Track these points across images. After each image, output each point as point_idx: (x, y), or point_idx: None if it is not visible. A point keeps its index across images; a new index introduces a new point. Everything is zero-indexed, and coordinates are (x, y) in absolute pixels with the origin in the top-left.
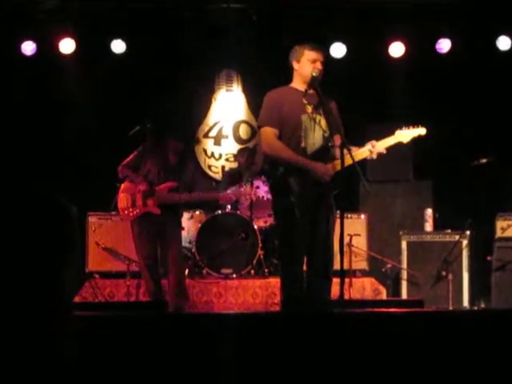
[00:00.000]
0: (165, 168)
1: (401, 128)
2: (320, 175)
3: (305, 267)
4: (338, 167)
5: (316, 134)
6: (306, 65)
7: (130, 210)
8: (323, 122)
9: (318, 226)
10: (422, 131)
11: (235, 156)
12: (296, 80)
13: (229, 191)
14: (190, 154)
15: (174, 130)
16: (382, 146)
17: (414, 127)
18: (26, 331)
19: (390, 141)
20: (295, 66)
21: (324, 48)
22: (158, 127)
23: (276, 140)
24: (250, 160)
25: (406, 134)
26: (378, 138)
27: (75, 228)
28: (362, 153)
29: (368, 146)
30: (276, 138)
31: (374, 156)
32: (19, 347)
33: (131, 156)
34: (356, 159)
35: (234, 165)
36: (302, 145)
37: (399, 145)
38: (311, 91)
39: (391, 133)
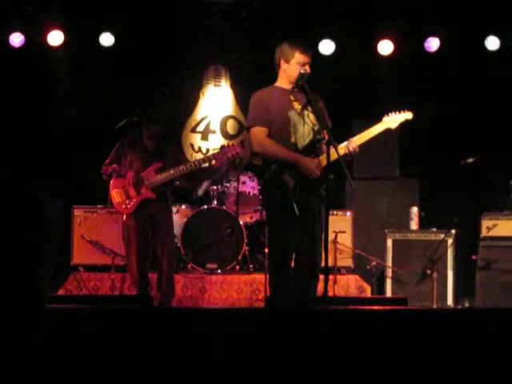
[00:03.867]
0: (145, 155)
1: (388, 114)
2: (310, 171)
3: (292, 264)
4: (324, 162)
5: (305, 128)
6: (294, 67)
7: (127, 202)
8: (312, 117)
9: (308, 222)
10: (408, 115)
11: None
12: (282, 79)
13: (214, 152)
14: (168, 138)
15: (162, 123)
16: (357, 142)
17: (400, 112)
18: None
19: (378, 128)
20: (283, 65)
21: (312, 49)
22: (144, 121)
23: (266, 138)
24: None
25: (393, 120)
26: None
27: (49, 218)
28: (339, 150)
29: (344, 143)
30: (266, 136)
31: (351, 152)
32: None
33: (111, 154)
34: (333, 157)
35: None
36: (292, 140)
37: (388, 132)
38: (296, 90)
39: (379, 120)
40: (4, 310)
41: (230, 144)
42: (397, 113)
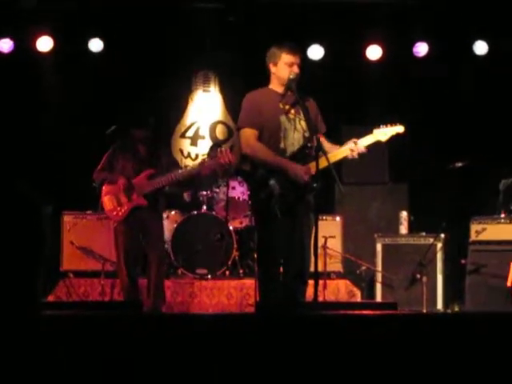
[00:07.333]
0: (138, 160)
1: (378, 126)
2: (299, 176)
3: (281, 269)
4: (314, 169)
5: (296, 134)
6: (283, 68)
7: (118, 209)
8: (303, 123)
9: (296, 227)
10: (399, 129)
11: (208, 154)
12: (274, 82)
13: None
14: (161, 142)
15: (147, 127)
16: (362, 144)
17: (391, 125)
18: None
19: (368, 139)
20: (272, 68)
21: (301, 49)
22: (131, 125)
23: (256, 141)
24: None
25: (384, 132)
26: (355, 138)
27: (45, 225)
28: (343, 152)
29: (349, 145)
30: (256, 139)
31: (355, 155)
32: None
33: (103, 159)
34: (336, 158)
35: None
36: (281, 146)
37: (377, 143)
38: (289, 93)
39: (369, 131)
40: (4, 316)
41: (223, 150)
42: (388, 125)
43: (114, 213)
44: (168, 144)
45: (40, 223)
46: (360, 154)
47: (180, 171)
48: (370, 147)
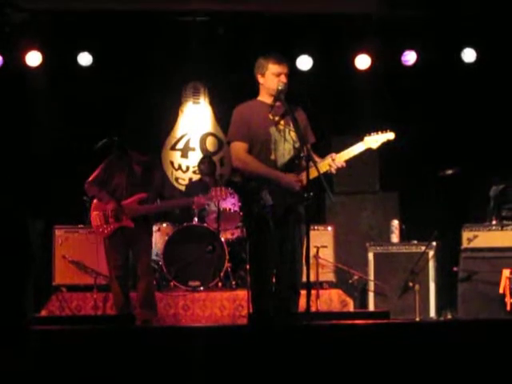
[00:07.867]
0: (132, 181)
1: (369, 134)
2: (291, 185)
3: (273, 280)
4: (305, 180)
5: (286, 145)
6: (270, 79)
7: (104, 227)
8: (293, 134)
9: (287, 238)
10: (390, 136)
11: (198, 165)
12: (262, 93)
13: (200, 195)
14: (157, 164)
15: (140, 142)
16: (341, 159)
17: (382, 132)
18: None
19: (359, 147)
20: (260, 80)
21: (288, 60)
22: (123, 140)
23: (246, 154)
24: (212, 167)
25: (375, 140)
26: (344, 149)
27: (33, 240)
28: (321, 167)
29: (327, 160)
30: (246, 152)
31: (333, 171)
32: None
33: (97, 171)
34: (313, 174)
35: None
36: (272, 157)
37: (368, 151)
38: (278, 104)
39: (360, 139)
40: None
41: (219, 189)
42: (379, 133)
43: (100, 229)
44: (157, 157)
45: (27, 237)
46: (338, 170)
47: (170, 202)
48: (359, 157)
